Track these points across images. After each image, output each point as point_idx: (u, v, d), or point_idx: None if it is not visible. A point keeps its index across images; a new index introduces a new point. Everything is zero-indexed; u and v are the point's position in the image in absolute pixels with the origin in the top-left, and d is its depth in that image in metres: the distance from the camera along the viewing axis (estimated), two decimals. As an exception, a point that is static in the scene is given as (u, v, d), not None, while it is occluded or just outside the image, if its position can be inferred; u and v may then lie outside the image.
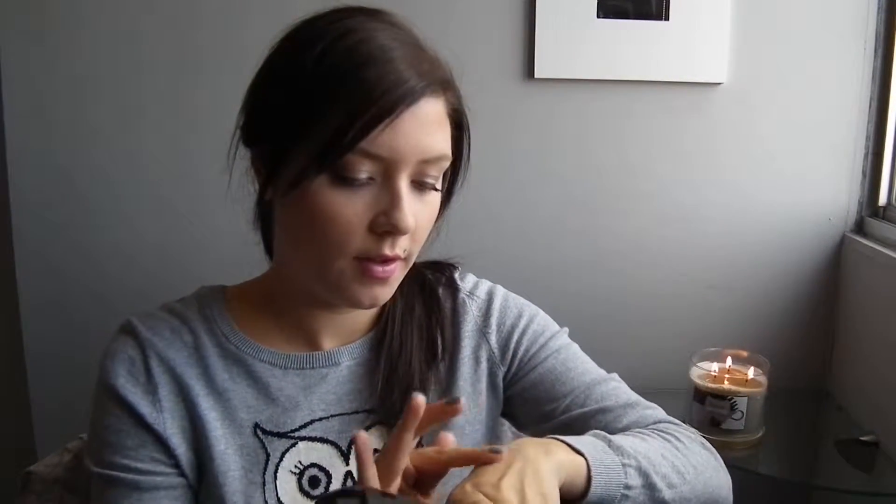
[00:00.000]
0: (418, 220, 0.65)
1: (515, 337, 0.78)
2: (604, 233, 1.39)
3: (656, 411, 0.76)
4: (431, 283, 0.79)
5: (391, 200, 0.62)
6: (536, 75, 1.31)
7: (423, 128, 0.62)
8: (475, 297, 0.79)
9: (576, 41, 1.30)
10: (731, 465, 1.21)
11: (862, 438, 1.24)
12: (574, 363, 0.77)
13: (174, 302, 0.75)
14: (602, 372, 0.78)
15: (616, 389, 0.76)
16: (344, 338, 0.75)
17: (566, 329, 0.81)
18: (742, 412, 1.20)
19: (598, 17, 1.30)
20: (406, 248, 0.66)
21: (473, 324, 0.78)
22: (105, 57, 1.28)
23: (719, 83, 1.33)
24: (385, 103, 0.60)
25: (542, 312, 0.82)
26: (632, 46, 1.31)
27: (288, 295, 0.73)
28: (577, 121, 1.35)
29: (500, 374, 0.78)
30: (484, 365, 0.77)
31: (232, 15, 1.27)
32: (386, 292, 0.67)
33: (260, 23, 1.28)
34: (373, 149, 0.60)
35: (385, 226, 0.62)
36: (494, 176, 1.35)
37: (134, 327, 0.71)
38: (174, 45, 1.28)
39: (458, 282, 0.80)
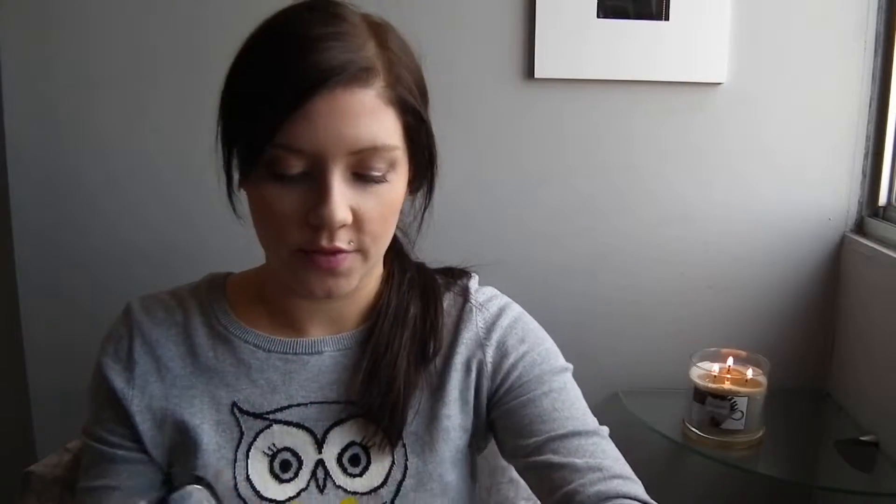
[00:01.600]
0: (363, 212, 0.63)
1: (511, 359, 0.76)
2: (603, 233, 1.39)
3: (628, 485, 0.67)
4: (436, 287, 0.79)
5: (319, 195, 0.61)
6: (536, 75, 1.31)
7: (344, 118, 0.60)
8: (484, 309, 0.78)
9: (576, 41, 1.30)
10: (731, 465, 1.22)
11: (862, 438, 1.24)
12: (562, 405, 0.73)
13: (181, 286, 0.80)
14: (590, 423, 0.73)
15: (594, 446, 0.70)
16: (332, 328, 0.76)
17: (570, 367, 0.78)
18: (742, 412, 1.20)
19: (598, 17, 1.30)
20: (352, 240, 0.65)
21: (474, 333, 0.77)
22: (106, 56, 1.28)
23: (719, 83, 1.33)
24: (292, 94, 0.59)
25: (549, 343, 0.79)
26: (632, 46, 1.31)
27: (274, 282, 0.75)
28: (576, 121, 1.35)
29: (485, 389, 0.76)
30: (474, 376, 0.76)
31: (233, 14, 1.27)
32: (340, 283, 0.66)
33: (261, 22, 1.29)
34: (293, 143, 0.60)
35: (317, 219, 0.62)
36: (494, 176, 1.34)
37: (130, 309, 0.76)
38: (175, 44, 1.28)
39: (471, 291, 0.79)
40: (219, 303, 0.76)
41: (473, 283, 0.81)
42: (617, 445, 0.80)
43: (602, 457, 0.69)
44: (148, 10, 1.27)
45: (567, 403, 0.73)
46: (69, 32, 1.27)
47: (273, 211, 0.63)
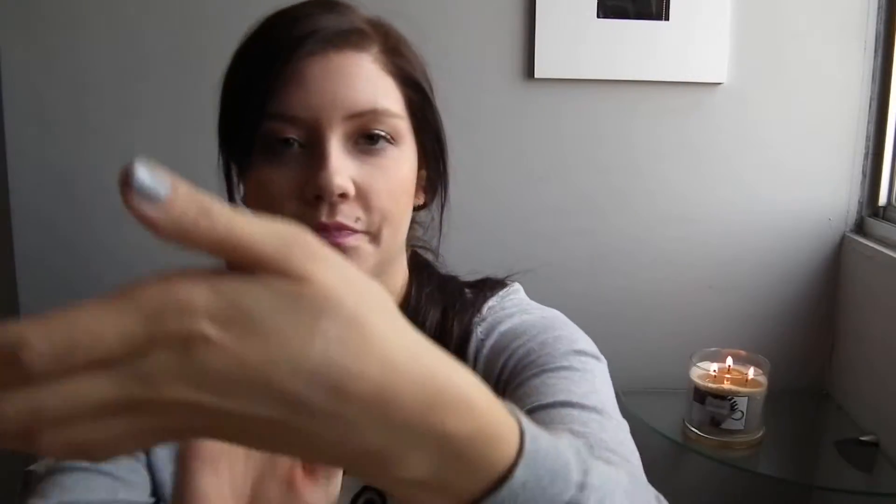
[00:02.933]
0: (367, 186, 0.58)
1: (503, 358, 0.66)
2: (603, 232, 1.39)
3: (637, 472, 0.54)
4: (463, 303, 0.70)
5: (317, 164, 0.57)
6: (536, 75, 1.31)
7: (339, 80, 0.58)
8: (485, 321, 0.69)
9: (576, 41, 1.30)
10: (731, 465, 1.22)
11: (862, 438, 1.24)
12: (556, 381, 0.60)
13: None
14: (593, 399, 0.59)
15: (591, 420, 0.56)
16: None
17: (603, 362, 0.68)
18: (742, 412, 1.20)
19: (598, 17, 1.30)
20: (359, 218, 0.59)
21: (474, 348, 0.68)
22: (105, 57, 1.28)
23: (719, 83, 1.33)
24: (283, 60, 0.57)
25: (556, 333, 0.67)
26: (632, 46, 1.31)
27: None
28: (576, 121, 1.35)
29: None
30: None
31: (232, 14, 1.27)
32: None
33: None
34: (287, 111, 0.58)
35: (313, 190, 0.57)
36: (494, 176, 1.34)
37: None
38: (174, 45, 1.28)
39: (488, 305, 0.70)
40: None
41: (507, 292, 0.73)
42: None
43: (599, 431, 0.55)
44: (146, 10, 1.27)
45: (567, 381, 0.60)
46: (69, 32, 1.27)
47: (270, 191, 0.58)
